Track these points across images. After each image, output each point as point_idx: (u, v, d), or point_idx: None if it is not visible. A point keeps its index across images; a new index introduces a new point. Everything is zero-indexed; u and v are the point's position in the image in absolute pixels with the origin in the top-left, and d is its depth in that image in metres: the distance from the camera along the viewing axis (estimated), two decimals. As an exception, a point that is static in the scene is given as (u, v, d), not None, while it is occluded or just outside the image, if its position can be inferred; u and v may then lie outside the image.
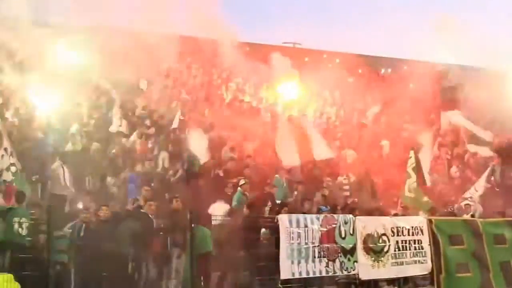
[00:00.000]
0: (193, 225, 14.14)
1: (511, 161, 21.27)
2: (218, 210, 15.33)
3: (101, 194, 15.86)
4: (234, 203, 16.09)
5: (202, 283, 13.90)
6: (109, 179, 16.93)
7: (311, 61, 27.91)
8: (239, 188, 16.71)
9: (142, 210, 14.65)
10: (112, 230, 13.66)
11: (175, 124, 20.29)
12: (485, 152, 23.15)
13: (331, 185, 18.59)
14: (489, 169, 20.63)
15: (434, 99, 26.87)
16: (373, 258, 15.22)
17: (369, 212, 16.57)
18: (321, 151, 19.54)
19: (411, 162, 18.26)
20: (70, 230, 13.64)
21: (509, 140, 22.50)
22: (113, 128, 19.39)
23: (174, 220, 14.35)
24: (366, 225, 15.34)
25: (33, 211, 13.82)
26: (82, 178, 16.73)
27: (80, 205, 14.54)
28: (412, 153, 18.45)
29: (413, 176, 18.08)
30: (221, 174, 18.17)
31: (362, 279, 15.01)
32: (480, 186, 19.72)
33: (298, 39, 31.12)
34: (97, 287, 13.30)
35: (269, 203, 16.44)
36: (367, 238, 15.20)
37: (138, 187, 16.43)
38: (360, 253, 15.03)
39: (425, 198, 18.03)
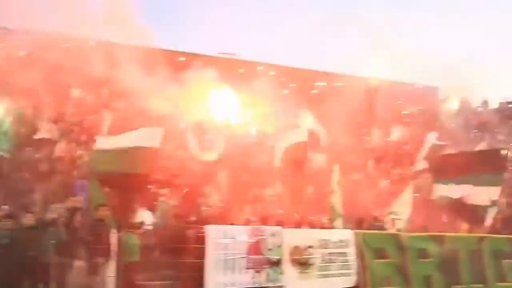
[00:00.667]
0: (120, 233, 14.11)
1: (440, 176, 21.64)
2: (144, 219, 15.27)
3: (26, 201, 15.54)
4: (158, 212, 15.99)
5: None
6: (35, 186, 16.61)
7: (246, 73, 27.98)
8: (163, 198, 16.61)
9: (67, 218, 14.40)
10: (36, 238, 13.40)
11: (105, 132, 20.05)
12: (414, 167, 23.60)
13: (261, 196, 18.66)
14: (413, 183, 20.98)
15: (367, 114, 27.27)
16: (299, 270, 15.30)
17: (297, 224, 16.69)
18: (252, 163, 19.64)
19: (336, 176, 18.44)
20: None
21: (439, 155, 22.88)
22: (41, 135, 19.04)
23: (101, 229, 14.19)
24: (293, 237, 15.44)
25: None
26: (8, 184, 16.37)
27: (3, 212, 14.19)
28: (336, 168, 18.63)
29: (338, 191, 18.24)
30: (151, 183, 17.95)
31: (289, 291, 15.05)
32: (406, 200, 20.00)
33: (233, 50, 31.27)
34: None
35: (197, 213, 16.41)
36: (294, 250, 15.29)
37: (64, 194, 16.16)
38: (287, 265, 15.10)
39: (347, 212, 18.26)
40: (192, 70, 23.96)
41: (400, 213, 18.91)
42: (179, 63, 25.58)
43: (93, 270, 13.68)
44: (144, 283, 14.31)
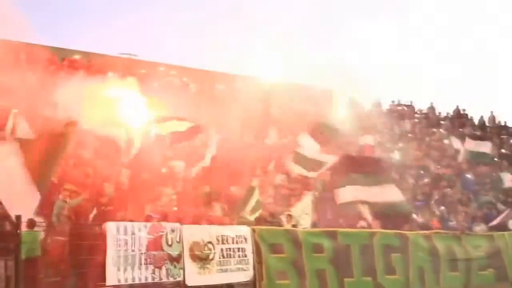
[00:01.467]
0: (19, 230, 14.03)
1: (338, 177, 22.33)
2: (45, 215, 15.26)
3: None
4: (55, 209, 15.92)
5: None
6: None
7: (147, 73, 27.95)
8: (60, 196, 16.50)
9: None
10: None
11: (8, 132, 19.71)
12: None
13: (160, 194, 18.85)
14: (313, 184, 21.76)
15: (265, 116, 27.69)
16: (199, 265, 15.68)
17: (196, 221, 17.04)
18: (152, 162, 19.77)
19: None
20: None
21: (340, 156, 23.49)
22: None
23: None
24: (192, 233, 15.84)
25: None
26: None
27: None
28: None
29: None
30: (55, 181, 17.79)
31: (188, 285, 15.37)
32: (306, 200, 20.64)
33: (134, 50, 31.15)
34: None
35: (95, 210, 16.43)
36: (194, 245, 15.67)
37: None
38: (186, 260, 15.46)
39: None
40: (90, 70, 23.77)
41: (300, 213, 19.57)
42: (75, 62, 25.27)
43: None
44: (44, 279, 14.36)
